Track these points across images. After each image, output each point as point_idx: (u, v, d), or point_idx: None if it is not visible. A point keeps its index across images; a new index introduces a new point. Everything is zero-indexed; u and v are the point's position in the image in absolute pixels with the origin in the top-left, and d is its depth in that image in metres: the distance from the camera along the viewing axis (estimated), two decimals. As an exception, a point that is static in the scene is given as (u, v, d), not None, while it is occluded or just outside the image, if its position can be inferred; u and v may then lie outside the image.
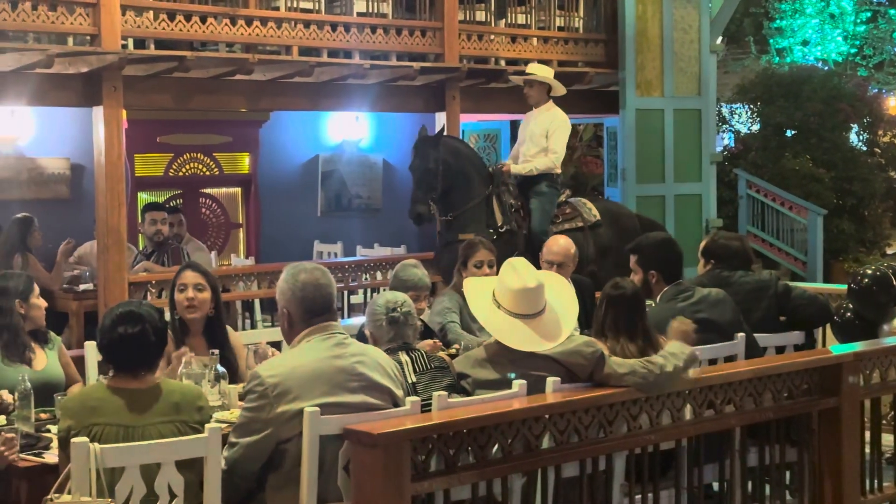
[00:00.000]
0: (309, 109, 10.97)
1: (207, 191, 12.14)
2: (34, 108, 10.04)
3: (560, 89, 8.91)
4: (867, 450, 5.27)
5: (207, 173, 12.00)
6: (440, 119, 10.30)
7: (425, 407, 4.03)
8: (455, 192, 8.35)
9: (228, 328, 5.44)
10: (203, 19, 8.52)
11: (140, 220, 9.60)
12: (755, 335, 5.58)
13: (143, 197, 11.37)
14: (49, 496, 3.56)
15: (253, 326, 9.11)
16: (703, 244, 6.16)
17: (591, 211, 8.84)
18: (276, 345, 5.65)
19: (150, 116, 11.08)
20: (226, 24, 8.64)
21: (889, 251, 15.90)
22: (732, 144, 16.47)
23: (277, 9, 9.11)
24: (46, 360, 5.08)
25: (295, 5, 9.18)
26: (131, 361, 3.81)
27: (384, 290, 7.74)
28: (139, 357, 3.82)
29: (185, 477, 3.69)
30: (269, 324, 9.12)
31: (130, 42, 8.31)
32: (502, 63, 10.40)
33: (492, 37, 10.34)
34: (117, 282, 8.25)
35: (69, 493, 3.52)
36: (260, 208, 12.24)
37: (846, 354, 5.05)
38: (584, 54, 10.94)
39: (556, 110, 8.86)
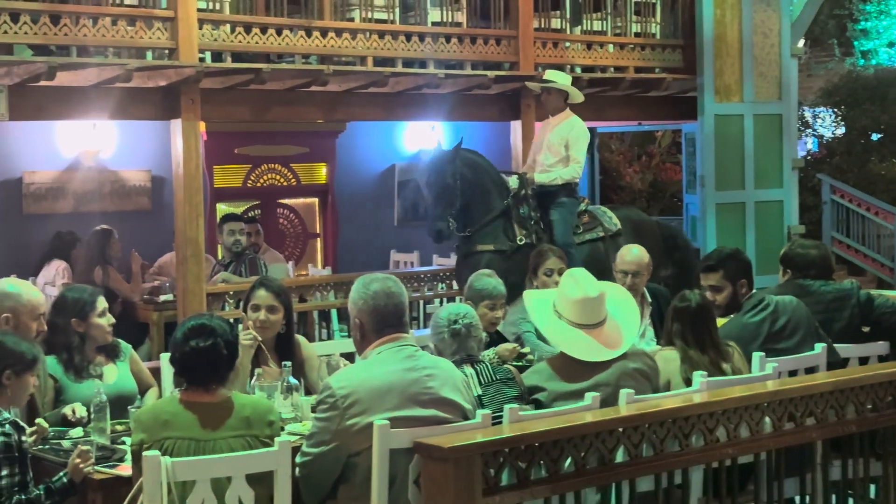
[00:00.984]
0: (384, 119, 10.99)
1: (285, 201, 12.23)
2: (115, 122, 10.20)
3: (577, 97, 8.73)
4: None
5: (285, 184, 12.10)
6: (515, 128, 10.25)
7: (496, 420, 3.99)
8: (473, 207, 8.20)
9: (303, 339, 5.47)
10: (279, 32, 8.58)
11: (218, 231, 9.71)
12: (837, 346, 5.45)
13: (222, 208, 11.49)
14: (122, 509, 3.59)
15: (329, 337, 9.14)
16: (781, 252, 6.06)
17: (612, 220, 8.66)
18: (351, 356, 5.67)
19: (229, 128, 11.20)
20: (301, 36, 8.69)
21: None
22: (815, 149, 16.18)
23: (352, 20, 9.15)
24: (117, 373, 5.12)
25: (370, 16, 9.20)
26: (202, 375, 3.83)
27: (460, 299, 7.73)
28: (210, 371, 3.84)
29: (256, 491, 3.69)
30: (346, 334, 9.15)
31: (208, 55, 8.40)
32: (578, 70, 10.32)
33: (567, 44, 10.26)
34: (196, 293, 8.33)
35: (142, 505, 3.55)
36: (337, 218, 12.30)
37: (933, 365, 4.90)
38: (661, 60, 10.81)
39: (574, 118, 8.66)
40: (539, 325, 4.54)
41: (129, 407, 4.53)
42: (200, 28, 8.18)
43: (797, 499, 4.84)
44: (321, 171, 12.37)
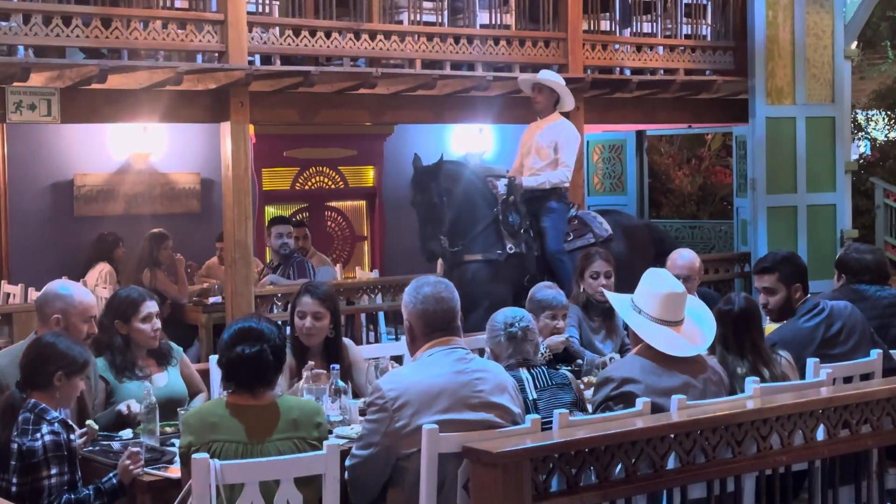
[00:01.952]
0: (432, 122, 10.99)
1: (333, 204, 12.26)
2: (165, 125, 10.27)
3: (568, 104, 8.44)
4: None
5: (333, 186, 12.12)
6: (564, 130, 10.19)
7: (546, 425, 3.96)
8: (462, 220, 7.96)
9: (350, 342, 5.47)
10: (328, 34, 8.60)
11: (267, 234, 9.74)
12: (893, 352, 5.36)
13: (271, 210, 11.53)
14: (171, 511, 3.60)
15: (377, 340, 9.14)
16: (837, 257, 5.98)
17: (603, 225, 8.38)
18: (399, 359, 5.66)
19: (277, 131, 11.24)
20: (350, 39, 8.70)
21: None
22: (868, 152, 15.97)
23: (401, 22, 9.14)
24: (168, 377, 5.14)
25: (418, 18, 9.19)
26: (249, 380, 3.83)
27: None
28: (257, 376, 3.84)
29: (304, 493, 3.69)
30: (393, 337, 9.14)
31: (257, 58, 8.43)
32: (627, 73, 10.25)
33: (616, 46, 10.19)
34: (244, 295, 8.36)
35: (190, 508, 3.55)
36: (384, 221, 12.30)
37: None
38: (711, 62, 10.71)
39: (563, 121, 8.41)
40: (625, 318, 4.52)
41: (178, 409, 4.54)
42: (250, 31, 8.21)
43: (852, 507, 4.76)
44: (369, 174, 12.38)
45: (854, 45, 12.16)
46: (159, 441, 4.40)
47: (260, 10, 8.53)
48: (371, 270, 11.67)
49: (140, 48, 7.85)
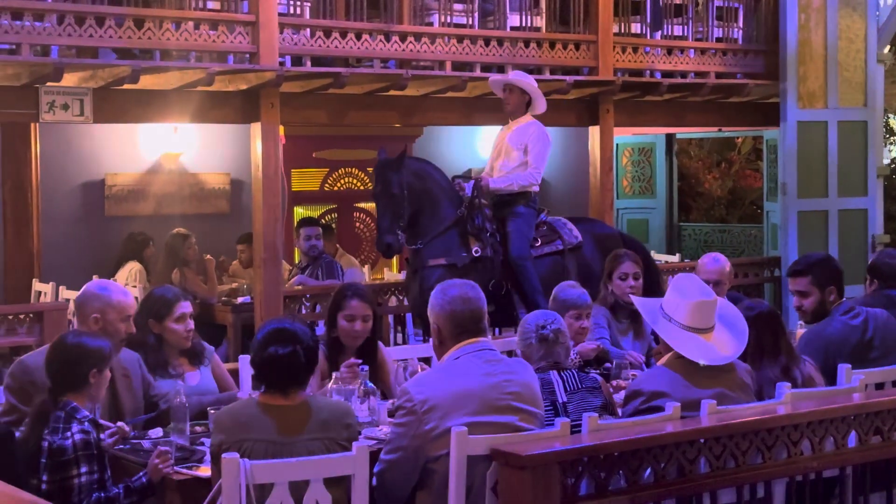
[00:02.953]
0: (462, 124, 10.99)
1: (361, 205, 12.26)
2: (196, 125, 10.31)
3: (539, 106, 8.18)
4: None
5: (362, 188, 12.13)
6: (594, 133, 10.18)
7: (575, 428, 3.95)
8: (423, 217, 7.70)
9: (378, 343, 5.47)
10: (358, 36, 8.61)
11: (295, 235, 9.77)
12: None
13: (300, 211, 11.56)
14: (201, 510, 3.61)
15: (404, 341, 9.14)
16: (870, 262, 5.93)
17: (573, 231, 8.12)
18: (427, 360, 5.66)
19: (307, 132, 11.26)
20: (380, 41, 8.71)
21: None
22: (900, 157, 15.84)
23: (431, 24, 9.15)
24: (200, 377, 5.17)
25: (448, 20, 9.19)
26: (281, 380, 3.84)
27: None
28: (289, 377, 3.85)
29: (334, 494, 3.69)
30: (421, 338, 9.14)
31: (288, 59, 8.46)
32: (658, 76, 10.22)
33: (647, 49, 10.16)
34: (273, 296, 8.38)
35: (220, 507, 3.56)
36: (413, 223, 12.29)
37: None
38: (743, 66, 10.66)
39: (534, 122, 8.14)
40: (653, 326, 4.46)
41: (209, 409, 4.56)
42: (281, 32, 8.24)
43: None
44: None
45: (887, 49, 12.08)
46: (189, 440, 4.42)
47: (291, 11, 8.55)
48: (399, 272, 11.68)
49: (172, 49, 7.89)
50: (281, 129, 8.66)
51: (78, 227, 10.49)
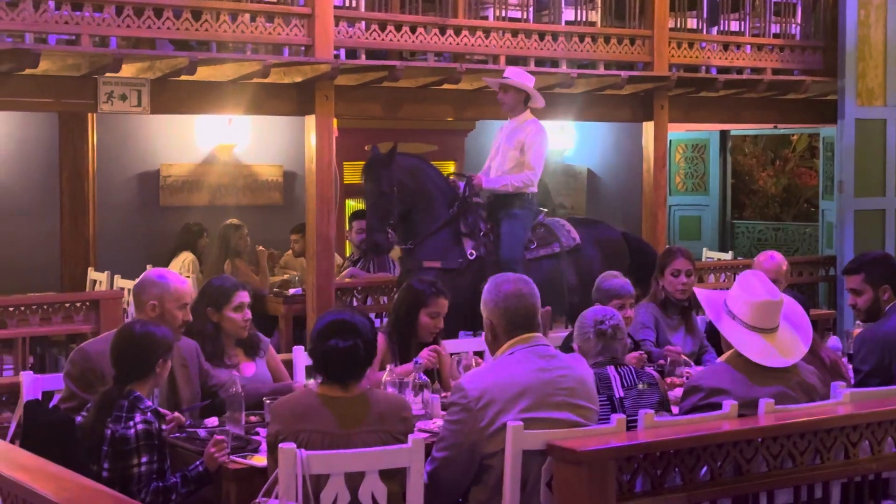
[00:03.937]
0: (515, 118, 10.94)
1: (414, 198, 12.26)
2: (250, 117, 10.38)
3: (538, 100, 7.82)
4: None
5: (414, 181, 12.11)
6: (648, 129, 10.12)
7: (631, 424, 3.92)
8: (416, 216, 7.50)
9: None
10: (413, 29, 8.62)
11: (347, 228, 9.79)
12: None
13: (352, 204, 11.58)
14: (257, 500, 3.62)
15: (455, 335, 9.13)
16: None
17: (570, 233, 7.88)
18: (481, 354, 5.66)
19: (359, 125, 11.28)
20: (435, 34, 8.71)
21: None
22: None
23: (486, 18, 9.13)
24: (255, 368, 5.21)
25: (503, 14, 9.18)
26: (340, 373, 3.85)
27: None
28: (348, 370, 3.85)
29: (389, 487, 3.70)
30: (471, 332, 9.12)
31: (342, 52, 8.48)
32: (713, 72, 10.13)
33: (703, 44, 10.08)
34: (325, 287, 8.41)
35: (276, 497, 3.57)
36: (464, 216, 12.28)
37: None
38: (800, 62, 10.54)
39: (532, 121, 7.79)
40: (716, 322, 4.41)
41: (264, 399, 4.58)
42: (336, 25, 8.26)
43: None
44: (450, 169, 12.35)
45: (949, 45, 11.88)
46: (244, 430, 4.44)
47: (346, 3, 8.58)
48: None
49: (228, 41, 7.93)
50: (335, 121, 8.69)
51: (133, 217, 10.60)
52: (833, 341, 6.18)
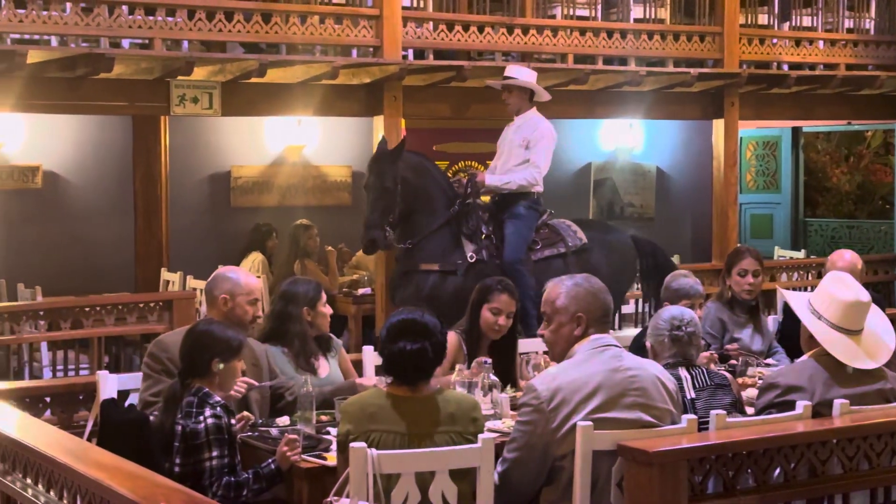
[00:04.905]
0: (583, 117, 10.91)
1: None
2: (318, 118, 10.45)
3: (543, 95, 7.69)
4: None
5: (482, 181, 12.13)
6: (717, 126, 10.02)
7: (703, 425, 3.89)
8: (416, 216, 7.34)
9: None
10: (480, 29, 8.63)
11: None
12: None
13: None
14: (329, 499, 3.65)
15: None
16: None
17: (577, 234, 7.71)
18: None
19: (427, 125, 11.31)
20: (502, 34, 8.71)
21: None
22: None
23: (554, 17, 9.11)
24: (329, 368, 5.25)
25: (571, 13, 9.15)
26: (409, 374, 3.85)
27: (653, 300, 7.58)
28: (417, 372, 3.85)
29: (459, 487, 3.70)
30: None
31: (410, 52, 8.51)
32: (785, 68, 10.00)
33: (774, 40, 9.95)
34: (394, 287, 8.42)
35: (348, 496, 3.60)
36: (532, 216, 12.25)
37: None
38: (874, 57, 10.37)
39: (538, 118, 7.66)
40: (803, 320, 4.35)
41: (334, 399, 4.61)
42: (404, 26, 8.30)
43: None
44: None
45: None
46: (315, 429, 4.48)
47: (414, 4, 8.61)
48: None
49: (298, 43, 8.01)
50: (402, 122, 8.73)
51: (204, 218, 10.73)
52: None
